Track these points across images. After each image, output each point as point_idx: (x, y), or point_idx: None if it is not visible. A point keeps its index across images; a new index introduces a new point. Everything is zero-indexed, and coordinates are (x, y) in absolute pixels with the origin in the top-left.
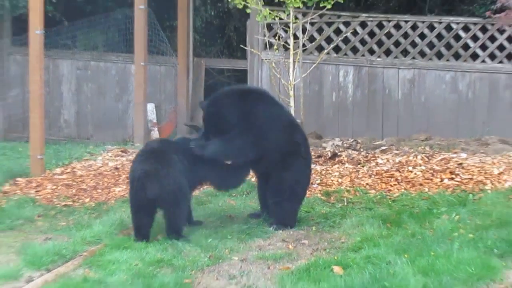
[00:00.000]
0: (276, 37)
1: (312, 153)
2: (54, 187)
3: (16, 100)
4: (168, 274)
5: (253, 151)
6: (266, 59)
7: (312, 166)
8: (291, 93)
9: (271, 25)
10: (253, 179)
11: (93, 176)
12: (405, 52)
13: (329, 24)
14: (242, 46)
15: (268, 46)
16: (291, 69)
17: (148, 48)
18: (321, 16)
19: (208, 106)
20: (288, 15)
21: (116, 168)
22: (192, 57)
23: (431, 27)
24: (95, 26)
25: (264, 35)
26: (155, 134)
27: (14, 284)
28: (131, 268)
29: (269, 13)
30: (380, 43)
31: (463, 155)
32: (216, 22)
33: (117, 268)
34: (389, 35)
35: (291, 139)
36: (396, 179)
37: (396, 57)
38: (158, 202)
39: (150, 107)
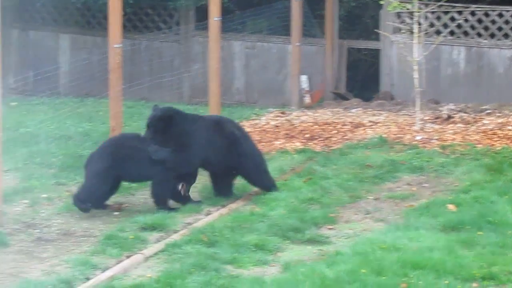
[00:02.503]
0: (404, 23)
1: (431, 115)
2: None
3: (198, 72)
4: (317, 210)
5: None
6: (395, 41)
7: (431, 125)
8: (415, 67)
9: (400, 13)
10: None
11: (258, 132)
12: (506, 36)
13: (446, 13)
14: (376, 30)
15: (397, 30)
16: (415, 49)
17: (302, 31)
18: (439, 6)
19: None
20: (413, 5)
21: (276, 126)
22: (337, 39)
23: None
24: (260, 14)
25: (394, 22)
26: (307, 100)
27: (196, 216)
28: (288, 204)
29: (398, 4)
30: (486, 28)
31: None
32: (356, 11)
33: (277, 204)
34: (493, 22)
35: (223, 134)
36: (498, 136)
37: (499, 39)
38: None
39: (303, 78)
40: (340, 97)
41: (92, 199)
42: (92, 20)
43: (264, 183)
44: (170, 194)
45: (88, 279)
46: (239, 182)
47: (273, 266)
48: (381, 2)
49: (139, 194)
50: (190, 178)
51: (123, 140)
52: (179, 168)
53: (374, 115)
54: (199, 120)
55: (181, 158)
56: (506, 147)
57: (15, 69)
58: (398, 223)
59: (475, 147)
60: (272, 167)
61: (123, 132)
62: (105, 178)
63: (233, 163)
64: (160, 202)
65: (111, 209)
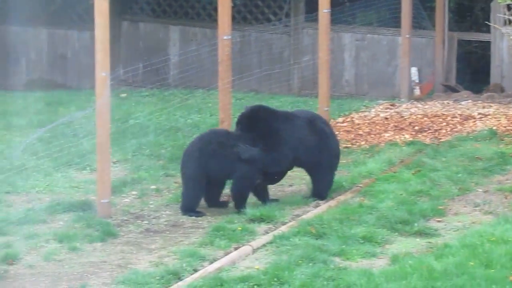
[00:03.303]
0: None
1: None
2: (337, 132)
3: (308, 64)
4: (426, 202)
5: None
6: (506, 33)
7: None
8: None
9: (510, 5)
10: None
11: (368, 124)
12: None
13: None
14: (486, 22)
15: (507, 22)
16: None
17: (412, 23)
18: None
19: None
20: None
21: (386, 118)
22: (447, 31)
23: None
24: (370, 6)
25: (505, 14)
26: (416, 92)
27: (305, 208)
28: (396, 197)
29: None
30: None
31: None
32: (466, 3)
33: (386, 197)
34: None
35: (314, 132)
36: None
37: None
38: None
39: (413, 70)
40: (450, 89)
41: (197, 203)
42: (202, 11)
43: (321, 187)
44: (249, 192)
45: (196, 270)
46: (345, 175)
47: (381, 258)
48: None
49: None
50: (276, 177)
51: (210, 137)
52: (269, 167)
53: (484, 107)
54: (290, 117)
55: (271, 157)
56: None
57: (125, 60)
58: (507, 216)
59: None
60: (381, 159)
61: (212, 128)
62: (200, 179)
63: (316, 159)
64: (239, 199)
65: (225, 205)
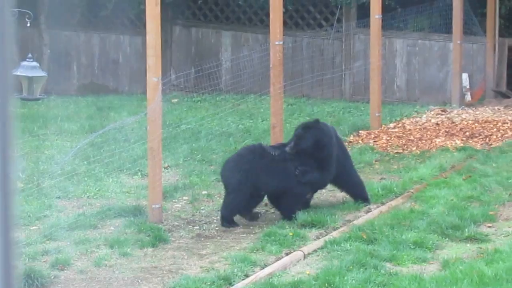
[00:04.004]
0: None
1: None
2: (388, 138)
3: (359, 69)
4: (477, 207)
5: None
6: None
7: None
8: None
9: None
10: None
11: (419, 130)
12: None
13: None
14: None
15: None
16: None
17: (463, 30)
18: None
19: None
20: None
21: (437, 124)
22: (498, 37)
23: None
24: (422, 12)
25: None
26: (467, 98)
27: (356, 213)
28: (447, 202)
29: None
30: None
31: None
32: None
33: (437, 202)
34: None
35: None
36: None
37: None
38: None
39: (464, 76)
40: (501, 95)
41: (235, 214)
42: (253, 17)
43: (360, 189)
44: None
45: (247, 276)
46: (396, 180)
47: (432, 263)
48: None
49: None
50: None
51: (258, 151)
52: (321, 186)
53: None
54: (327, 129)
55: (325, 177)
56: None
57: (176, 65)
58: None
59: None
60: (432, 165)
61: (256, 143)
62: (245, 192)
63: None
64: (291, 214)
65: (257, 216)
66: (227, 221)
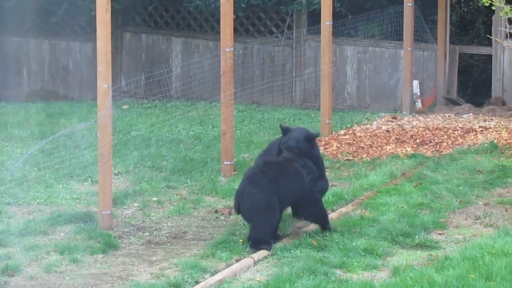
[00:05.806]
0: None
1: None
2: (339, 145)
3: (310, 76)
4: (427, 215)
5: None
6: (507, 46)
7: None
8: None
9: (511, 19)
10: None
11: (369, 137)
12: None
13: None
14: (488, 35)
15: (509, 36)
16: None
17: (414, 37)
18: None
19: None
20: None
21: (388, 131)
22: (449, 44)
23: None
24: (372, 19)
25: (506, 27)
26: (418, 105)
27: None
28: (398, 209)
29: (510, 9)
30: None
31: None
32: (468, 17)
33: (387, 209)
34: None
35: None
36: None
37: None
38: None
39: (415, 83)
40: (451, 103)
41: (271, 233)
42: (204, 23)
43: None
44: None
45: (197, 282)
46: (346, 187)
47: (382, 270)
48: (493, 8)
49: None
50: None
51: (280, 165)
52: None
53: (485, 120)
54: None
55: (327, 184)
56: None
57: (127, 72)
58: (508, 229)
59: None
60: (383, 172)
61: (265, 158)
62: (275, 207)
63: None
64: (325, 219)
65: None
66: (263, 242)
